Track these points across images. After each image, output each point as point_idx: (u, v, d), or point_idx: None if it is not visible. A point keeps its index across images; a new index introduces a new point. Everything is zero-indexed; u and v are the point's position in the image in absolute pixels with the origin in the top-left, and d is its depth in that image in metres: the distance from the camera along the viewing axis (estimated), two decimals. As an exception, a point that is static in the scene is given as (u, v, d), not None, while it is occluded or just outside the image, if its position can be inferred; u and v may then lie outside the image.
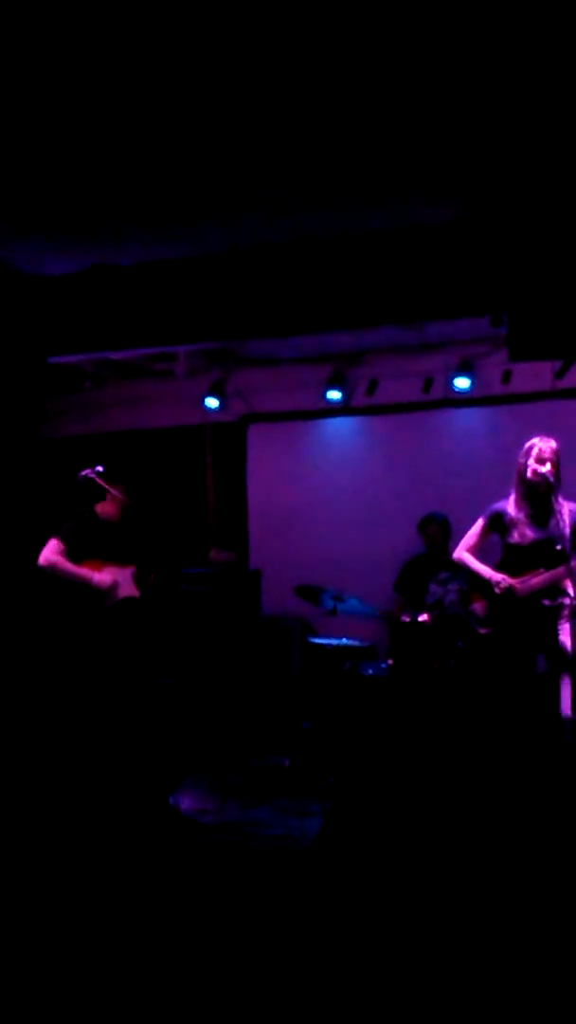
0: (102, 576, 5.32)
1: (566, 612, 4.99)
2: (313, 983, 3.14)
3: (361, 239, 5.52)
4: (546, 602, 5.03)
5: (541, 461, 5.02)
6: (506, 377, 7.19)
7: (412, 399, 7.60)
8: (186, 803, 5.50)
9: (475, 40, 3.51)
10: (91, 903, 3.78)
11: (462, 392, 7.34)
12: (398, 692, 5.97)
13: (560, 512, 4.98)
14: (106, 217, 5.20)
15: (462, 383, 7.27)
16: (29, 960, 3.30)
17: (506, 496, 5.20)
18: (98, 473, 5.36)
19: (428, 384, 7.49)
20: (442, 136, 4.31)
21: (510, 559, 5.15)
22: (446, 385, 7.40)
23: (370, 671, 6.17)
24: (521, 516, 5.11)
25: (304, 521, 7.86)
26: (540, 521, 5.07)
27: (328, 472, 7.91)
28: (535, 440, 5.11)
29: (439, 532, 6.68)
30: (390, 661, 6.14)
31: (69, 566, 5.30)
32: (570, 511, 5.06)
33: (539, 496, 5.05)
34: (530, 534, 5.07)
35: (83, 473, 5.35)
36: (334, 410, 7.89)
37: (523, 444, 5.15)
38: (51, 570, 5.29)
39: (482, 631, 5.24)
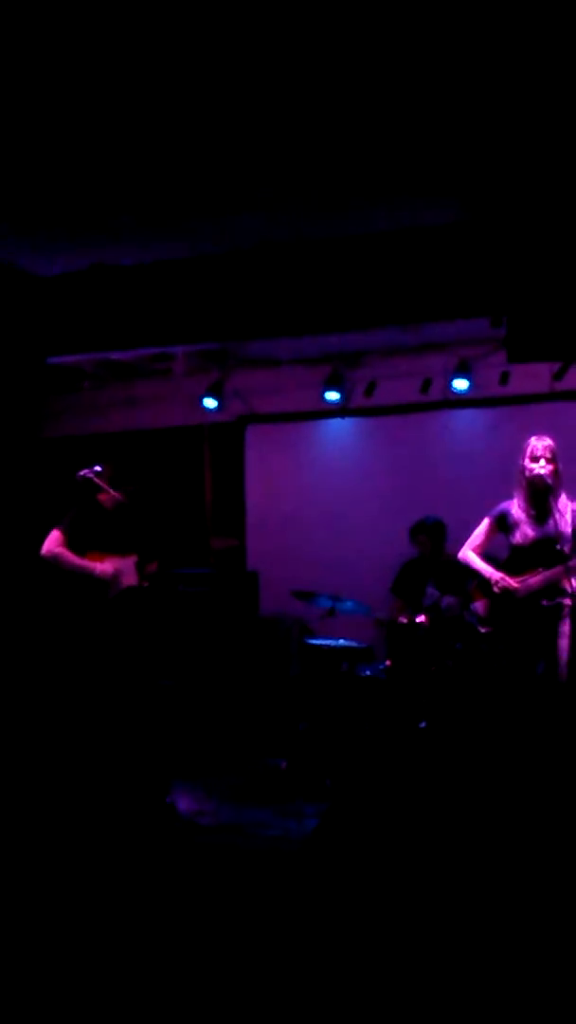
0: (104, 566, 5.33)
1: (566, 612, 5.00)
2: (308, 983, 3.14)
3: (361, 240, 5.52)
4: (544, 602, 5.04)
5: (535, 459, 5.05)
6: (504, 378, 7.19)
7: (410, 400, 7.60)
8: (183, 804, 5.50)
9: (476, 45, 3.52)
10: (87, 903, 3.78)
11: (460, 393, 7.35)
12: (395, 693, 5.98)
13: (559, 511, 4.99)
14: (106, 217, 5.20)
15: (460, 384, 7.27)
16: (28, 957, 3.30)
17: (511, 497, 5.22)
18: (96, 473, 5.36)
19: (426, 385, 7.49)
20: (442, 138, 4.31)
21: (513, 559, 5.17)
22: (444, 386, 7.40)
23: (367, 672, 6.18)
24: (523, 516, 5.13)
25: (302, 522, 7.86)
26: (540, 520, 5.08)
27: (326, 473, 7.91)
28: (531, 439, 5.13)
29: (428, 540, 6.68)
30: (387, 662, 6.15)
31: (71, 557, 5.32)
32: (573, 510, 5.07)
33: (538, 495, 5.06)
34: (531, 534, 5.09)
35: (82, 473, 5.35)
36: (332, 411, 7.89)
37: (522, 445, 5.17)
38: (53, 561, 5.32)
39: (483, 630, 5.25)
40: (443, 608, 6.24)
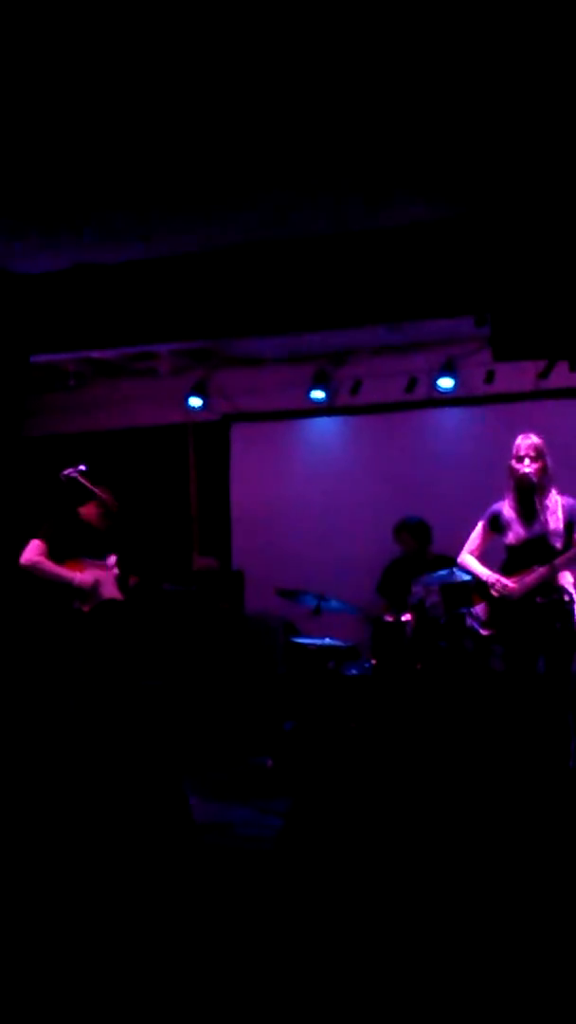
0: (83, 576, 5.31)
1: (564, 607, 4.97)
2: (290, 981, 3.13)
3: (345, 239, 5.51)
4: (539, 600, 5.04)
5: (520, 459, 5.05)
6: (489, 377, 7.20)
7: (396, 399, 7.60)
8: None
9: (463, 46, 3.51)
10: (93, 897, 3.76)
11: (445, 392, 7.35)
12: (381, 692, 5.98)
13: (548, 508, 4.99)
14: (91, 216, 5.17)
15: (445, 383, 7.27)
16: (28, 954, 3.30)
17: (500, 496, 5.22)
18: (81, 472, 5.34)
19: (412, 384, 7.49)
20: (426, 137, 4.31)
21: (509, 559, 5.17)
22: (429, 385, 7.41)
23: (353, 671, 6.17)
24: (513, 516, 5.13)
25: (287, 521, 7.84)
26: (531, 519, 5.07)
27: (311, 472, 7.90)
28: (517, 439, 5.13)
29: (411, 539, 6.68)
30: (373, 661, 6.14)
31: (50, 566, 5.29)
32: (565, 505, 5.06)
33: (526, 494, 5.06)
34: (522, 533, 5.09)
35: (66, 472, 5.33)
36: (318, 410, 7.88)
37: (508, 444, 5.17)
38: (32, 570, 5.28)
39: (484, 632, 5.24)
40: (428, 606, 6.24)
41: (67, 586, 5.28)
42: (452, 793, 4.91)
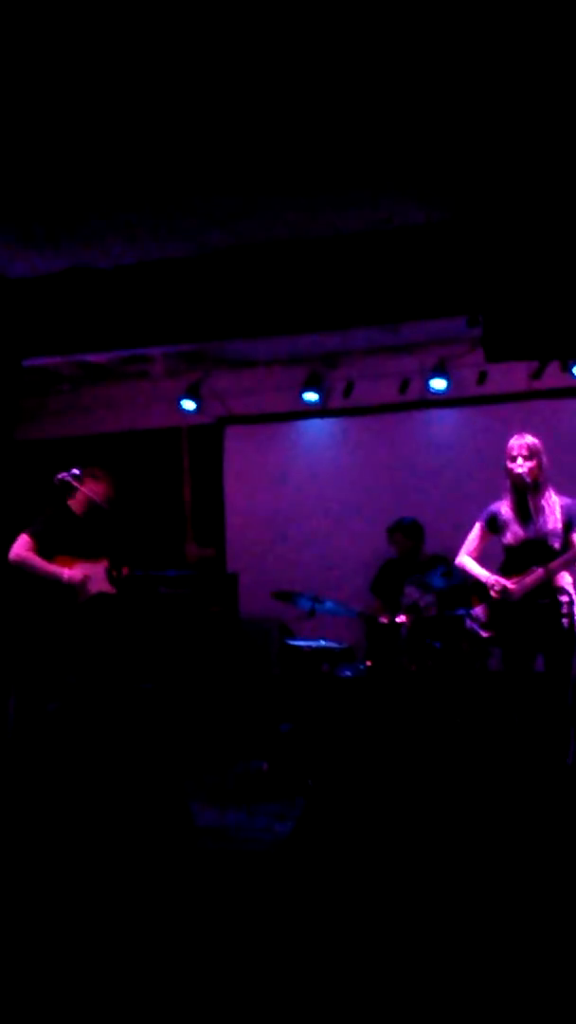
0: (72, 572, 5.30)
1: (564, 608, 4.96)
2: (290, 983, 3.13)
3: (338, 241, 5.51)
4: (540, 601, 5.03)
5: (513, 459, 5.06)
6: (482, 378, 7.21)
7: (388, 400, 7.61)
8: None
9: (453, 48, 3.52)
10: (94, 899, 3.76)
11: (438, 393, 7.36)
12: (376, 694, 5.98)
13: (545, 508, 5.00)
14: (83, 219, 5.17)
15: (438, 384, 7.28)
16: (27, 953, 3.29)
17: (496, 497, 5.23)
18: (74, 476, 5.34)
19: (404, 385, 7.50)
20: (418, 139, 4.31)
21: (507, 560, 5.17)
22: (422, 386, 7.42)
23: (348, 673, 6.17)
24: (511, 516, 5.13)
25: (281, 523, 7.85)
26: (528, 519, 5.08)
27: (305, 473, 7.90)
28: (511, 439, 5.14)
29: (405, 539, 6.69)
30: (368, 663, 6.14)
31: (39, 562, 5.29)
32: (563, 506, 5.06)
33: (522, 494, 5.06)
34: (520, 533, 5.09)
35: (59, 476, 5.33)
36: (311, 412, 7.89)
37: (501, 444, 5.18)
38: (22, 566, 5.28)
39: (484, 634, 5.24)
40: (422, 607, 6.25)
41: (56, 582, 5.28)
42: (450, 794, 4.91)
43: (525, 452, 5.05)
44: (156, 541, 7.75)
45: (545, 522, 4.97)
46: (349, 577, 7.10)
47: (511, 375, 7.07)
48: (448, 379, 7.28)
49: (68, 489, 5.37)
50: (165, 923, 3.66)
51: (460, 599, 5.84)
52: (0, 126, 4.11)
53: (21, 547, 5.29)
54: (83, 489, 5.36)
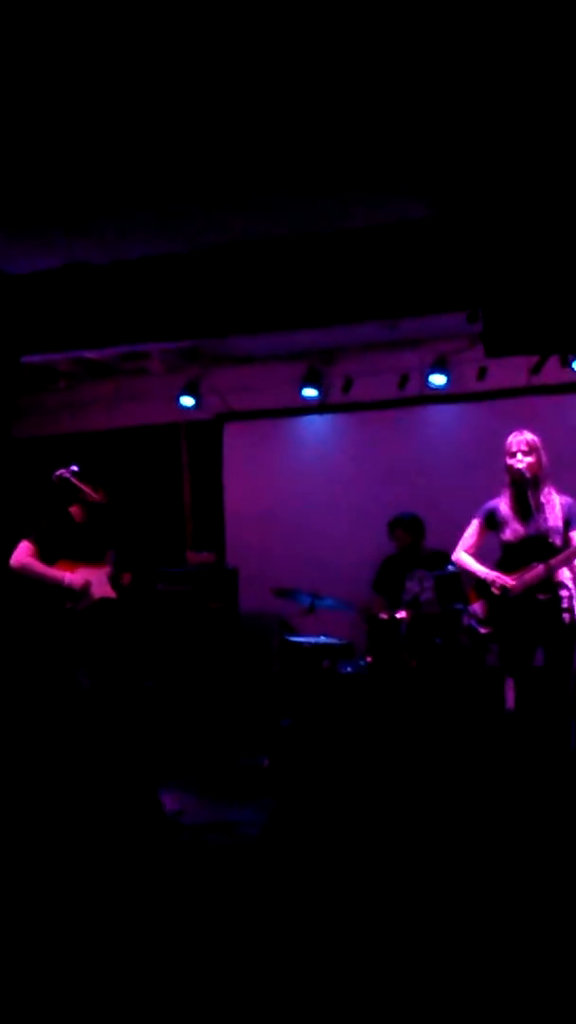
0: (74, 577, 5.29)
1: (564, 603, 4.96)
2: (284, 979, 3.13)
3: (336, 236, 5.50)
4: (541, 596, 5.03)
5: (512, 454, 5.06)
6: (482, 373, 7.21)
7: (388, 396, 7.61)
8: (165, 803, 5.47)
9: (449, 44, 3.51)
10: (72, 907, 3.75)
11: (438, 389, 7.35)
12: (377, 689, 5.97)
13: (546, 506, 4.99)
14: (82, 215, 5.15)
15: (438, 380, 7.27)
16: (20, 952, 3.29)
17: (495, 494, 5.22)
18: (73, 473, 5.32)
19: (404, 381, 7.49)
20: (415, 134, 4.30)
21: (506, 556, 5.16)
22: (422, 382, 7.41)
23: (348, 669, 6.17)
24: (510, 513, 5.12)
25: (281, 519, 7.84)
26: (528, 516, 5.07)
27: (305, 469, 7.90)
28: (510, 435, 5.14)
29: (406, 534, 6.68)
30: (368, 659, 6.14)
31: (41, 568, 5.27)
32: (563, 504, 5.06)
33: (521, 490, 5.06)
34: (520, 530, 5.08)
35: (58, 473, 5.31)
36: (310, 408, 7.88)
37: (501, 440, 5.18)
38: (23, 572, 5.26)
39: (483, 631, 5.24)
40: (423, 602, 6.24)
41: (58, 587, 5.27)
42: (449, 789, 4.91)
43: (524, 448, 5.05)
44: (155, 538, 7.74)
45: (546, 519, 4.96)
46: (349, 573, 7.09)
47: (511, 370, 7.05)
48: (448, 375, 7.27)
49: (67, 486, 5.35)
50: (152, 916, 3.66)
51: (458, 594, 5.84)
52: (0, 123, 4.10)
53: (22, 553, 5.27)
54: (81, 487, 5.35)
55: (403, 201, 5.10)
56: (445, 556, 5.77)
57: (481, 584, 5.21)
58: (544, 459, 5.07)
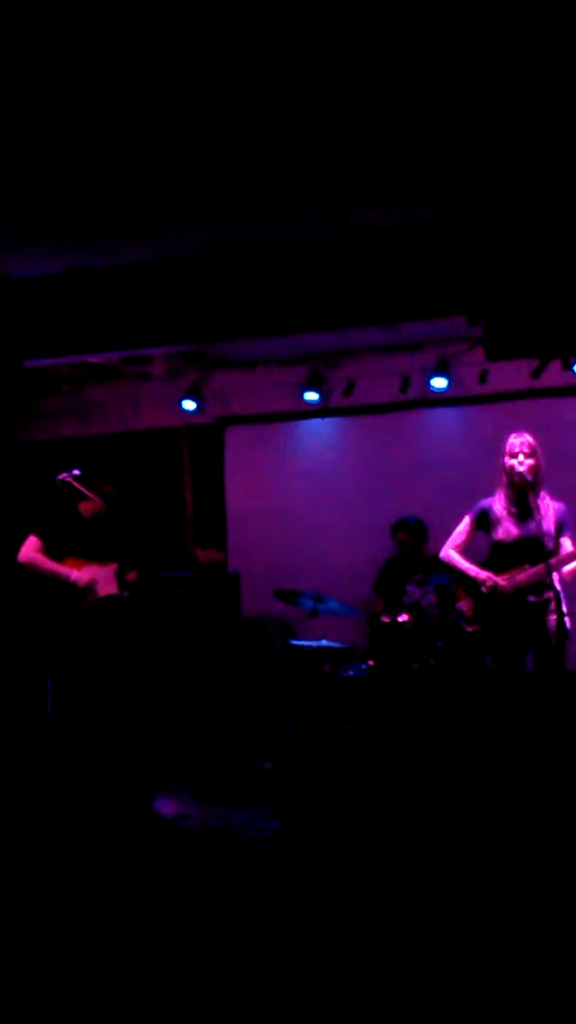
0: (80, 574, 5.31)
1: (552, 606, 4.98)
2: (286, 983, 3.13)
3: (337, 240, 5.51)
4: (531, 598, 5.04)
5: (514, 455, 5.06)
6: (483, 377, 7.21)
7: (389, 399, 7.61)
8: (167, 808, 5.47)
9: (454, 48, 3.51)
10: (71, 909, 3.75)
11: (439, 392, 7.35)
12: (378, 693, 5.97)
13: (542, 509, 5.00)
14: (84, 219, 5.16)
15: (439, 383, 7.28)
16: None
17: (493, 493, 5.22)
18: (75, 477, 5.33)
19: (405, 384, 7.49)
20: (418, 138, 4.31)
21: (496, 556, 5.16)
22: (423, 385, 7.41)
23: (350, 672, 6.17)
24: (505, 513, 5.13)
25: (283, 522, 7.84)
26: (523, 517, 5.08)
27: (306, 473, 7.90)
28: (510, 436, 5.15)
29: (409, 538, 6.69)
30: (370, 662, 6.14)
31: (47, 563, 5.29)
32: (556, 509, 5.08)
33: (520, 492, 5.06)
34: (514, 531, 5.09)
35: (60, 477, 5.32)
36: (311, 411, 7.88)
37: (502, 442, 5.18)
38: (29, 567, 5.29)
39: (469, 629, 5.24)
40: (424, 605, 6.25)
41: (64, 583, 5.28)
42: (452, 793, 4.91)
43: (527, 450, 5.06)
44: (157, 541, 7.74)
45: (540, 521, 4.95)
46: (351, 576, 7.09)
47: (512, 374, 7.06)
48: (449, 378, 7.27)
49: (69, 490, 5.37)
50: (152, 920, 3.66)
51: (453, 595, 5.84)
52: (1, 127, 4.11)
53: (30, 548, 5.30)
54: (84, 490, 5.36)
55: (406, 205, 5.11)
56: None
57: (469, 582, 5.21)
58: (542, 462, 5.08)
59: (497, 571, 5.11)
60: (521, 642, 5.08)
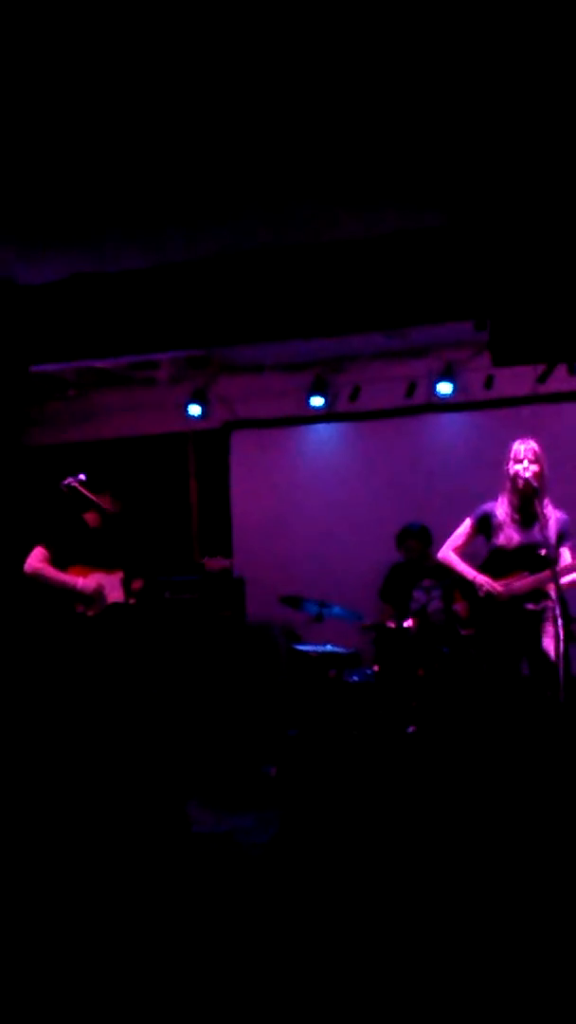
0: (87, 582, 5.31)
1: (549, 615, 4.99)
2: (288, 988, 3.13)
3: (345, 245, 5.52)
4: (529, 606, 5.04)
5: (519, 461, 5.06)
6: (489, 382, 7.21)
7: (395, 404, 7.61)
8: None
9: (461, 54, 3.52)
10: (74, 913, 3.76)
11: (445, 397, 7.36)
12: (384, 698, 5.97)
13: (545, 517, 4.99)
14: (88, 225, 5.18)
15: (445, 388, 7.28)
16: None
17: (495, 499, 5.22)
18: (81, 482, 5.34)
19: (411, 389, 7.49)
20: (425, 144, 4.31)
21: (495, 561, 5.15)
22: (429, 390, 7.42)
23: (355, 678, 6.17)
24: (507, 519, 5.12)
25: (288, 528, 7.84)
26: (526, 524, 5.07)
27: (312, 478, 7.90)
28: (515, 442, 5.14)
29: (417, 544, 6.69)
30: (375, 668, 6.13)
31: (54, 572, 5.30)
32: (557, 519, 5.07)
33: (524, 498, 5.06)
34: (516, 537, 5.08)
35: (66, 482, 5.33)
36: (317, 416, 7.89)
37: (506, 448, 5.18)
38: (36, 577, 5.30)
39: (464, 632, 5.24)
40: (430, 611, 6.24)
41: (71, 592, 5.29)
42: (456, 798, 4.90)
43: (531, 456, 5.06)
44: (162, 546, 7.75)
45: (543, 529, 4.94)
46: (356, 581, 7.09)
47: (518, 379, 7.06)
48: (455, 383, 7.27)
49: (75, 495, 5.37)
50: (162, 926, 3.66)
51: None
52: (5, 133, 4.12)
53: (36, 559, 5.31)
54: (89, 495, 5.37)
55: (412, 211, 5.11)
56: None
57: (466, 585, 5.20)
58: (546, 469, 5.07)
59: (494, 576, 5.11)
60: (515, 649, 5.07)
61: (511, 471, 5.07)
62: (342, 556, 7.52)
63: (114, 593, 5.38)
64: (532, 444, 5.09)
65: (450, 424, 7.57)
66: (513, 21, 3.36)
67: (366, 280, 5.56)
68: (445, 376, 7.27)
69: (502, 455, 5.21)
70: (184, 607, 7.12)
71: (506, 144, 4.37)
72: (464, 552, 5.32)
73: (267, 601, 6.98)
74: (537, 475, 5.03)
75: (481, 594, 5.11)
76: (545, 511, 5.03)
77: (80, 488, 5.33)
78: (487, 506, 5.23)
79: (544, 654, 4.99)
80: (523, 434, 5.21)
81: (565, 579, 4.91)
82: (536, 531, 4.99)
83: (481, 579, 5.13)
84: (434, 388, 7.33)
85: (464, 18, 3.33)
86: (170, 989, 3.18)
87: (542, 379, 7.03)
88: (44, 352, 6.26)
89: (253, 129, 4.16)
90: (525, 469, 5.03)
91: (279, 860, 4.50)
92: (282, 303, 5.73)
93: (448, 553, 5.34)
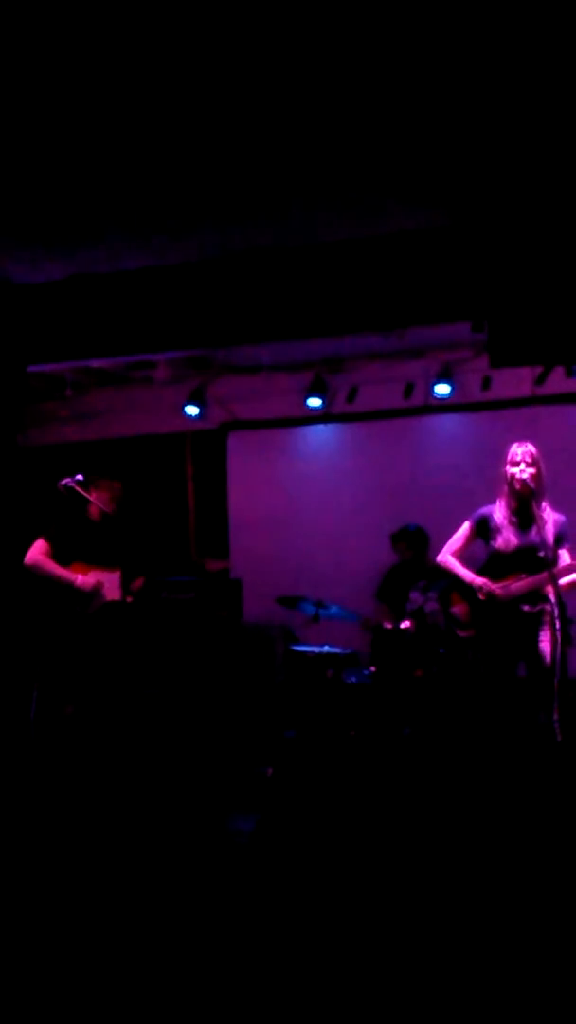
0: (86, 579, 5.31)
1: (546, 618, 5.00)
2: (286, 988, 3.13)
3: (343, 246, 5.52)
4: (526, 608, 5.04)
5: (516, 464, 5.05)
6: (486, 383, 7.21)
7: (393, 405, 7.62)
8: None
9: (461, 56, 3.52)
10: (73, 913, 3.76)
11: (443, 398, 7.36)
12: (381, 699, 5.97)
13: (543, 519, 4.99)
14: (87, 225, 5.17)
15: (442, 389, 7.29)
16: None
17: (493, 501, 5.22)
18: (78, 482, 5.34)
19: (409, 390, 7.50)
20: (424, 145, 4.31)
21: (493, 564, 5.15)
22: (427, 391, 7.42)
23: (353, 678, 6.17)
24: (505, 522, 5.12)
25: (285, 528, 7.85)
26: (524, 527, 5.08)
27: (309, 479, 7.90)
28: (513, 445, 5.14)
29: (409, 546, 6.69)
30: (372, 668, 6.14)
31: (53, 567, 5.30)
32: (555, 520, 5.08)
33: (522, 501, 5.06)
34: (514, 540, 5.08)
35: (63, 482, 5.33)
36: (315, 417, 7.89)
37: (505, 450, 5.18)
38: (35, 570, 5.30)
39: (462, 634, 5.25)
40: (427, 612, 6.24)
41: (69, 588, 5.29)
42: (453, 799, 4.90)
43: (528, 459, 5.06)
44: (159, 546, 7.75)
45: (540, 531, 4.94)
46: (353, 582, 7.09)
47: (515, 380, 7.07)
48: (452, 384, 7.28)
49: (72, 495, 5.37)
50: (163, 926, 3.66)
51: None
52: (4, 134, 4.12)
53: (36, 551, 5.32)
54: (87, 495, 5.37)
55: (410, 211, 5.12)
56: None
57: (464, 588, 5.20)
58: (544, 471, 5.07)
59: (493, 579, 5.11)
60: (512, 650, 5.08)
61: (508, 474, 5.07)
62: (339, 556, 7.52)
63: (112, 592, 5.38)
64: (529, 447, 5.09)
65: (448, 425, 7.57)
66: (515, 23, 3.37)
67: (364, 281, 5.56)
68: (443, 377, 7.27)
69: (499, 456, 5.21)
70: (181, 607, 7.11)
71: (506, 146, 4.37)
72: (463, 555, 5.32)
73: (264, 601, 6.98)
74: (534, 477, 5.02)
75: (481, 596, 5.11)
76: (543, 513, 5.04)
77: (77, 488, 5.33)
78: (485, 509, 5.23)
79: (540, 657, 5.00)
80: (521, 436, 5.21)
81: (563, 580, 4.91)
82: (534, 533, 4.99)
83: (479, 581, 5.13)
84: (432, 389, 7.34)
85: (466, 21, 3.34)
86: (171, 989, 3.18)
87: (540, 381, 7.04)
88: (41, 352, 6.26)
89: (253, 129, 4.16)
90: (522, 472, 5.03)
91: (274, 859, 4.50)
92: (280, 304, 5.73)
93: (447, 557, 5.34)
